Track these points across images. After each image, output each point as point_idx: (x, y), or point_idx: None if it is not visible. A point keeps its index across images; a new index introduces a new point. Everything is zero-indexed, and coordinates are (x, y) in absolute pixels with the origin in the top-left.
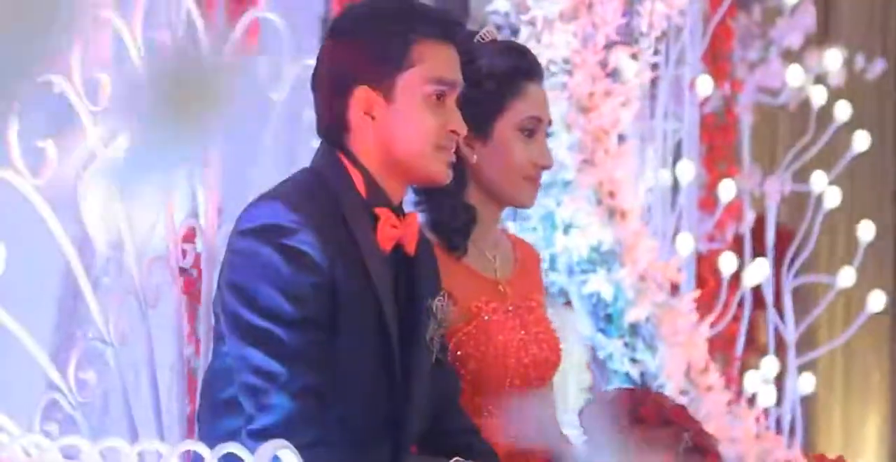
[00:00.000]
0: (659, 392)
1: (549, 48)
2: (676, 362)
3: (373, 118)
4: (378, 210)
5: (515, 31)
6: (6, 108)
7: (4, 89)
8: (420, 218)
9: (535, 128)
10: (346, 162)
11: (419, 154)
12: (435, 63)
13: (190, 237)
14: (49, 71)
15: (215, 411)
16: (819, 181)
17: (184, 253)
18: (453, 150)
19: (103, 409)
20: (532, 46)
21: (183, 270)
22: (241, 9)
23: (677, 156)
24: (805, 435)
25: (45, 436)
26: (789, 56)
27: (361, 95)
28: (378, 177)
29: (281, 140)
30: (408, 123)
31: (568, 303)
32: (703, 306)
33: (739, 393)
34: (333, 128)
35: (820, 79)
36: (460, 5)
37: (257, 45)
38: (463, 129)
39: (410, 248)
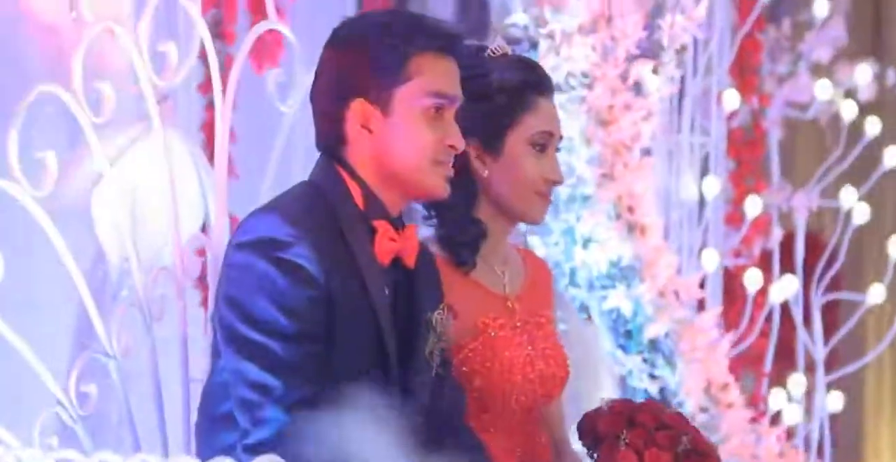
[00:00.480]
0: (656, 401)
1: (567, 61)
2: (696, 379)
3: (370, 131)
4: (376, 222)
5: (534, 45)
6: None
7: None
8: (429, 232)
9: (546, 143)
10: (343, 174)
11: (416, 168)
12: (433, 76)
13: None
14: (51, 81)
15: (213, 426)
16: (848, 197)
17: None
18: (451, 164)
19: (108, 422)
20: (551, 60)
21: (202, 282)
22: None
23: (704, 170)
24: (852, 455)
25: (46, 449)
26: (819, 70)
27: (358, 108)
28: (376, 189)
29: (293, 151)
30: (405, 137)
31: (590, 317)
32: (733, 322)
33: (766, 410)
34: (331, 140)
35: (850, 93)
36: (480, 18)
37: (281, 56)
38: (461, 144)
39: (410, 260)
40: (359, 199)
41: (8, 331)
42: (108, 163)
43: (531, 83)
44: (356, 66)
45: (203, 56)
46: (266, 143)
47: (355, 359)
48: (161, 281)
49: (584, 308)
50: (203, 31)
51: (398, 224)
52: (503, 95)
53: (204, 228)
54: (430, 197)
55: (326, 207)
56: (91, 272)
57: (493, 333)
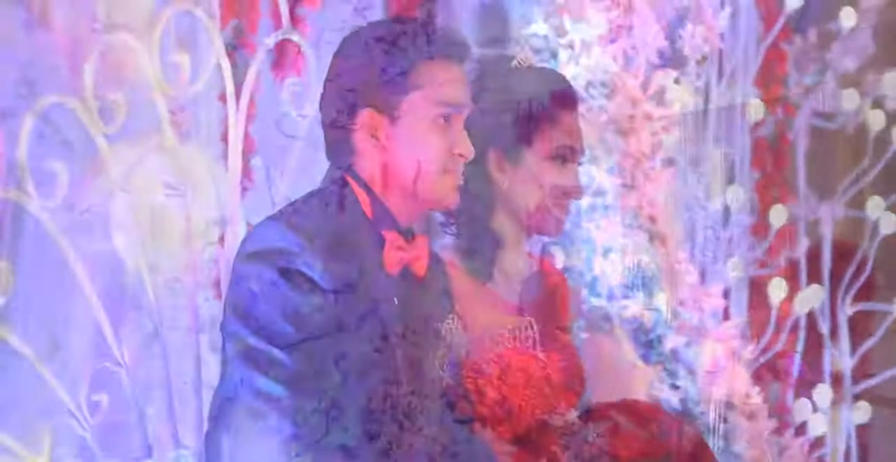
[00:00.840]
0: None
1: (587, 71)
2: (718, 389)
3: (378, 141)
4: (384, 232)
5: (554, 54)
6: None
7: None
8: (448, 241)
9: (567, 156)
10: (352, 184)
11: (425, 177)
12: (440, 85)
13: None
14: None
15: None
16: (876, 207)
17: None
18: (461, 172)
19: (120, 430)
20: (570, 69)
21: (217, 290)
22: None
23: (730, 180)
24: None
25: (56, 458)
26: (846, 80)
27: (366, 118)
28: (385, 198)
29: (310, 160)
30: (413, 146)
31: (612, 328)
32: (758, 333)
33: (790, 421)
34: (340, 150)
35: (877, 103)
36: (500, 28)
37: (303, 66)
38: (469, 152)
39: (419, 270)
40: (367, 208)
41: (17, 341)
42: (126, 172)
43: (555, 96)
44: (363, 76)
45: None
46: (286, 151)
47: (362, 368)
48: (175, 290)
49: (606, 318)
50: (217, 43)
51: (408, 234)
52: (527, 107)
53: (222, 237)
54: (439, 206)
55: (334, 217)
56: (109, 283)
57: (507, 345)
